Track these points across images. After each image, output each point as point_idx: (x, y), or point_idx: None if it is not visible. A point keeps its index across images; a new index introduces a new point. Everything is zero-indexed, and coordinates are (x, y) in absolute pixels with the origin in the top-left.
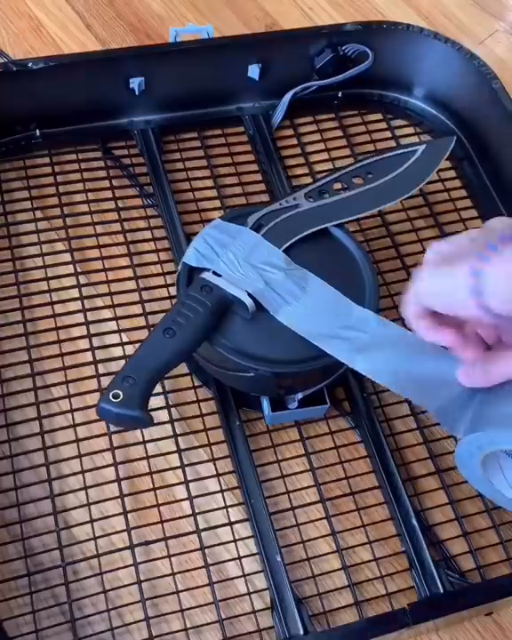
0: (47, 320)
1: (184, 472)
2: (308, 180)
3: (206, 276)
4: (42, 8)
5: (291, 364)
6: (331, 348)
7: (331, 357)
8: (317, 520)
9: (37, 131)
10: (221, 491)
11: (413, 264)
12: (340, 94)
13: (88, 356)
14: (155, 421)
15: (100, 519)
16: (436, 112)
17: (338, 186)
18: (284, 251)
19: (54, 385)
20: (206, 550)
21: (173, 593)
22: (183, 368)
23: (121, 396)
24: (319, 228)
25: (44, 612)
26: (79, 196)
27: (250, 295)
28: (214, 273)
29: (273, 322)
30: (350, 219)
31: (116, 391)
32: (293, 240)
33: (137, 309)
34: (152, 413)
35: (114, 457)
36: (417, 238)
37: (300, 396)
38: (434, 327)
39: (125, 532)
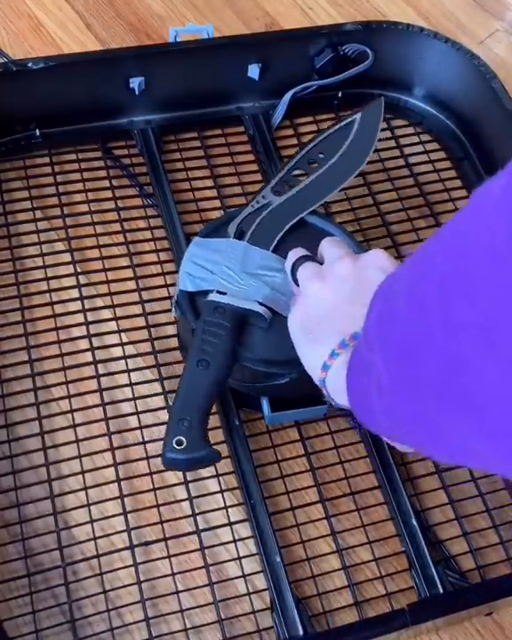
0: (47, 320)
1: (184, 472)
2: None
3: (213, 297)
4: (41, 8)
5: None
6: None
7: None
8: (317, 520)
9: (37, 131)
10: (221, 491)
11: None
12: (340, 94)
13: (88, 357)
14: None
15: (100, 519)
16: (435, 112)
17: (298, 173)
18: (272, 251)
19: (54, 385)
20: (206, 551)
21: (173, 593)
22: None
23: (184, 443)
24: (296, 219)
25: (43, 612)
26: (79, 196)
27: (261, 304)
28: (218, 292)
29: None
30: (321, 202)
31: (178, 438)
32: (278, 238)
33: (137, 309)
34: (152, 414)
35: (114, 457)
36: (417, 238)
37: None
38: None
39: (125, 533)
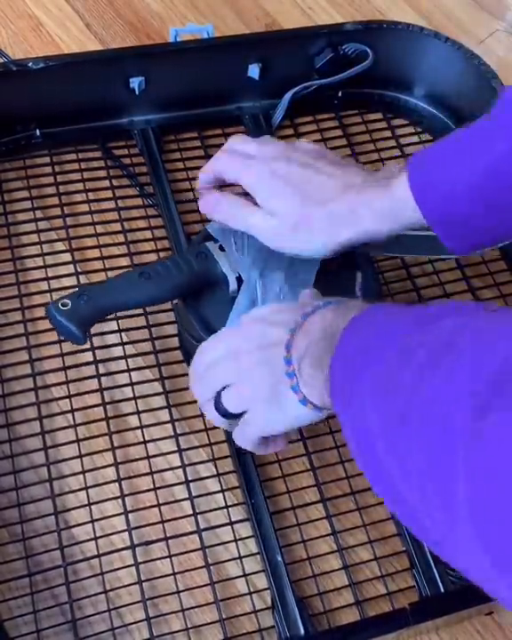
0: (47, 320)
1: (184, 472)
2: None
3: (209, 245)
4: (41, 7)
5: None
6: None
7: None
8: (318, 520)
9: (37, 131)
10: (222, 490)
11: (414, 263)
12: (340, 94)
13: (88, 356)
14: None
15: (101, 519)
16: (435, 111)
17: None
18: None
19: (55, 385)
20: (207, 550)
21: (174, 593)
22: (183, 368)
23: (68, 306)
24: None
25: (44, 612)
26: (79, 196)
27: (238, 279)
28: (220, 248)
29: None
30: (383, 253)
31: (65, 300)
32: None
33: (137, 309)
34: (152, 413)
35: (114, 457)
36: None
37: None
38: None
39: (126, 532)
